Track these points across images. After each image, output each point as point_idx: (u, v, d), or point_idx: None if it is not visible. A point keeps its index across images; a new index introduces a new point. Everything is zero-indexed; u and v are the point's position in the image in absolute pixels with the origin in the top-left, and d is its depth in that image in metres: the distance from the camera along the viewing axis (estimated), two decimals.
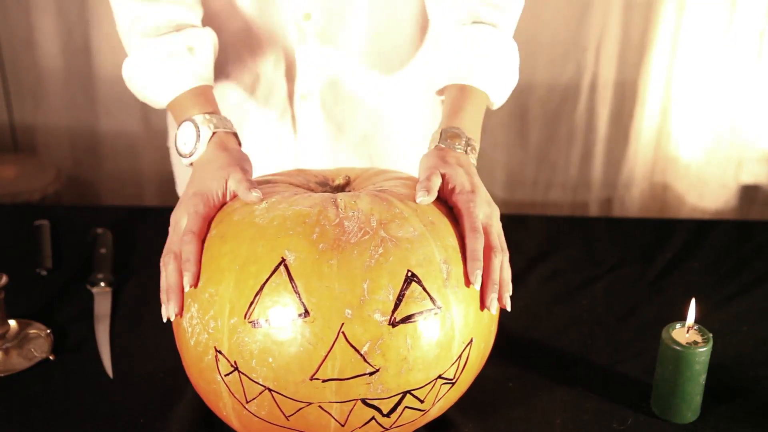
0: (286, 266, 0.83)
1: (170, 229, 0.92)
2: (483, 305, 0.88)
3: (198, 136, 0.98)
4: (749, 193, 2.07)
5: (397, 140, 1.32)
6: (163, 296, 0.89)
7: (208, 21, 1.17)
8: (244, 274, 0.84)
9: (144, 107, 2.26)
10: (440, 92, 1.07)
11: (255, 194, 0.89)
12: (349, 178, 1.00)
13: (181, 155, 1.00)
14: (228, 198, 0.93)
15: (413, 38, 1.25)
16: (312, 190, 0.97)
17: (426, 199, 0.90)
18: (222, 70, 1.23)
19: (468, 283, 0.87)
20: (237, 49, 1.21)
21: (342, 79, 1.24)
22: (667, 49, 1.94)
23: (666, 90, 1.99)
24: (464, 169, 0.94)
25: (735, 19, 1.89)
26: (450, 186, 0.92)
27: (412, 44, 1.25)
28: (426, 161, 0.95)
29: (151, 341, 1.11)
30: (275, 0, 1.16)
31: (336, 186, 0.98)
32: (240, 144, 1.02)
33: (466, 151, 0.97)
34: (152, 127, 2.42)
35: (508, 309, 0.90)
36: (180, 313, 0.88)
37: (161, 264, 0.90)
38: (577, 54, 1.98)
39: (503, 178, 2.40)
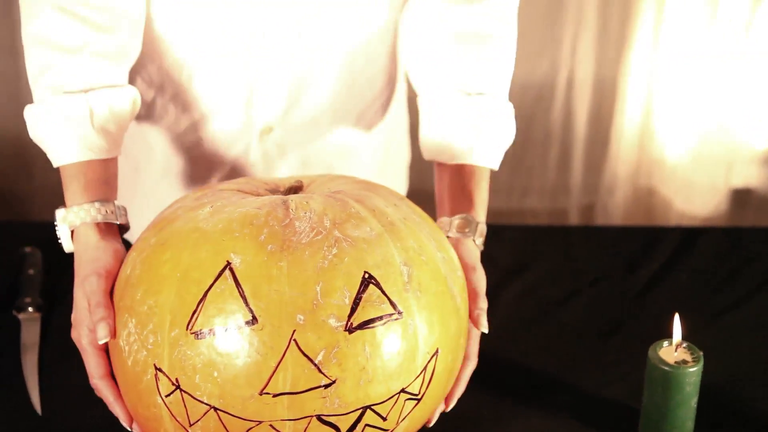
0: (231, 270, 0.82)
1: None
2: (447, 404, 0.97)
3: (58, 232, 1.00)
4: (741, 197, 2.09)
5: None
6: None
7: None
8: (186, 281, 0.83)
9: None
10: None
11: (102, 332, 0.89)
12: (302, 182, 0.99)
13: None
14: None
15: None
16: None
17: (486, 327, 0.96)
18: (168, 165, 1.26)
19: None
20: (185, 149, 1.24)
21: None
22: (648, 42, 1.96)
23: (648, 86, 2.00)
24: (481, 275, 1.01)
25: (719, 11, 1.90)
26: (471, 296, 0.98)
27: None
28: (473, 265, 1.00)
29: (83, 373, 1.07)
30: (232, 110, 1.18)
31: (288, 189, 0.97)
32: (115, 230, 1.01)
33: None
34: None
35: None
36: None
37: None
38: (551, 49, 1.98)
39: None
